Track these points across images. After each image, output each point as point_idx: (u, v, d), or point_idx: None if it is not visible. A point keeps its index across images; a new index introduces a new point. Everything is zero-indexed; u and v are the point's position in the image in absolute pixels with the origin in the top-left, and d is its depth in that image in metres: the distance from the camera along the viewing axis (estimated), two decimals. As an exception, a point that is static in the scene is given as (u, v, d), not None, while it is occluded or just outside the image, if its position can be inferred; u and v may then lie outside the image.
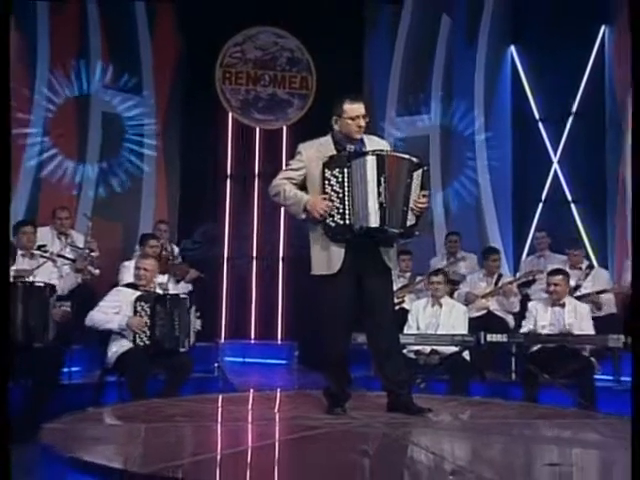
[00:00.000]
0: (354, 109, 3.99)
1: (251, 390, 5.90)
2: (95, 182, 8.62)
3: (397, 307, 7.22)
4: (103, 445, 3.32)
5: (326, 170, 3.96)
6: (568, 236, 8.49)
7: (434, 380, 6.08)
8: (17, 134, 8.14)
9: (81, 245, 6.92)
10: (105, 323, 5.46)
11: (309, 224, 4.12)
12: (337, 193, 3.94)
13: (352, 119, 3.98)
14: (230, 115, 9.41)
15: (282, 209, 9.50)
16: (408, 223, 3.94)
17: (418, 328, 6.38)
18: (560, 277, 6.20)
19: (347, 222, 3.91)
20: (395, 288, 7.26)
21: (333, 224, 3.95)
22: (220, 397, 4.99)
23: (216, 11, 8.85)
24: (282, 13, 9.16)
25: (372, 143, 4.13)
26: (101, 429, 3.76)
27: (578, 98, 9.04)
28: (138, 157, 8.89)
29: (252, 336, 9.40)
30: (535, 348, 6.06)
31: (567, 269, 6.72)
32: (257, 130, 9.53)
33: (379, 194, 3.86)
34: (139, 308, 5.42)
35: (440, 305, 6.45)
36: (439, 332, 6.26)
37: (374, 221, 3.86)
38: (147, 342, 5.37)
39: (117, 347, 5.45)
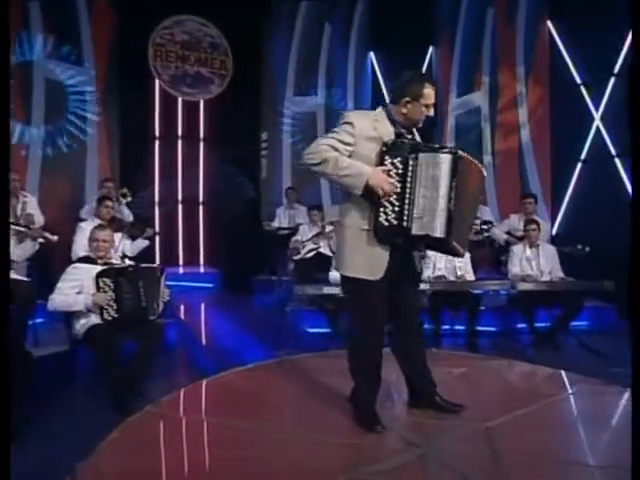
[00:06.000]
0: (432, 95, 2.06)
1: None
2: (42, 143, 5.54)
3: (314, 252, 5.41)
4: None
5: (386, 157, 1.99)
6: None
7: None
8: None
9: (35, 207, 4.22)
10: (69, 307, 3.10)
11: (344, 217, 2.13)
12: (394, 187, 2.00)
13: (427, 106, 2.06)
14: (157, 86, 6.62)
15: (201, 165, 7.27)
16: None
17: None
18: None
19: (403, 224, 1.98)
20: (310, 235, 5.54)
21: (386, 223, 2.01)
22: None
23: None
24: (205, 6, 6.44)
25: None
26: None
27: (417, 92, 7.42)
28: (81, 121, 5.87)
29: (180, 264, 7.04)
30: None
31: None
32: (179, 100, 6.81)
33: (449, 200, 1.95)
34: (102, 284, 3.09)
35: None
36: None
37: (440, 231, 1.97)
38: (115, 315, 3.09)
39: (85, 319, 3.12)
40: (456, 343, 4.31)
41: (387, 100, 6.56)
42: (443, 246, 2.08)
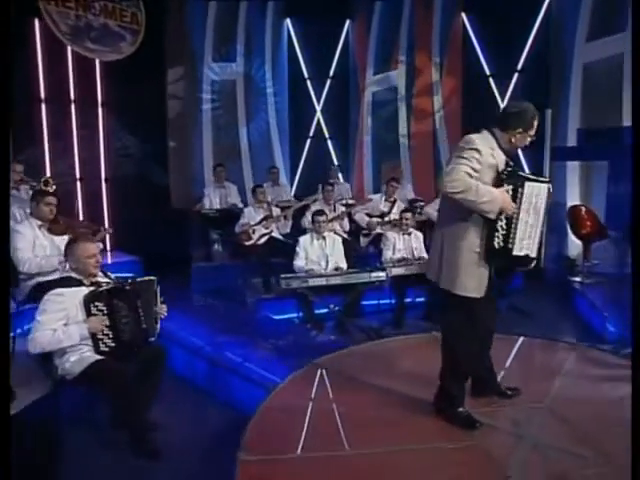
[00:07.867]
0: (536, 125, 2.16)
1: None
2: None
3: (267, 236, 5.07)
4: None
5: (504, 184, 2.10)
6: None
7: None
8: None
9: None
10: (59, 343, 2.40)
11: (461, 238, 2.17)
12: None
13: (531, 137, 2.17)
14: (38, 36, 5.22)
15: (101, 135, 6.09)
16: None
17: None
18: (409, 214, 4.83)
19: (509, 246, 2.12)
20: (259, 219, 5.16)
21: (497, 247, 2.12)
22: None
23: None
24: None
25: None
26: None
27: (333, 65, 7.31)
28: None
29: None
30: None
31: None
32: (68, 54, 5.48)
33: (543, 224, 2.19)
34: (94, 310, 2.47)
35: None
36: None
37: (534, 252, 2.18)
38: (112, 345, 2.51)
39: (77, 355, 2.47)
40: (417, 315, 4.49)
41: (304, 70, 6.26)
42: (527, 263, 2.18)
